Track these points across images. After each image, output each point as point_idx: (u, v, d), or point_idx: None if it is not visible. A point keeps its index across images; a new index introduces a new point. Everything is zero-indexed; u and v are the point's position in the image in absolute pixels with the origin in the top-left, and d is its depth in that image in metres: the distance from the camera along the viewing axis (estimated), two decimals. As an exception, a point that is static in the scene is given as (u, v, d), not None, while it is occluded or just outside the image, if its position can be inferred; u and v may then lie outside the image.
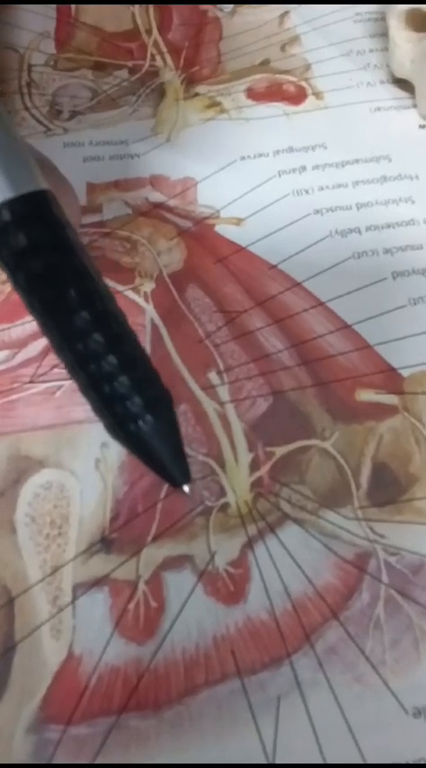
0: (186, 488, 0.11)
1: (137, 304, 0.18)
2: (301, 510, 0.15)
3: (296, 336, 0.17)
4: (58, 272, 0.11)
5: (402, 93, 0.22)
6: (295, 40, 0.23)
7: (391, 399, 0.16)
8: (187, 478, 0.11)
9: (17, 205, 0.11)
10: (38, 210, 0.11)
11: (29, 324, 0.17)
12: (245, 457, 0.15)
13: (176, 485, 0.11)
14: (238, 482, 0.15)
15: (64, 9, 0.24)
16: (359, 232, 0.19)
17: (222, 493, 0.15)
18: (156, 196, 0.20)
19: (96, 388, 0.11)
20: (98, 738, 0.13)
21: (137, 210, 0.19)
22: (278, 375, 0.17)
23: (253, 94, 0.22)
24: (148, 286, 0.18)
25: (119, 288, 0.18)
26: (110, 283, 0.18)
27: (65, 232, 0.11)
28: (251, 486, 0.15)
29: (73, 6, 0.24)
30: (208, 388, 0.16)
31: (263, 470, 0.15)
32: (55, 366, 0.17)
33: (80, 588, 0.14)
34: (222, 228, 0.19)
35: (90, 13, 0.24)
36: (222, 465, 0.15)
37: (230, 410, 0.16)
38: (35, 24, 0.23)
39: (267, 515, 0.15)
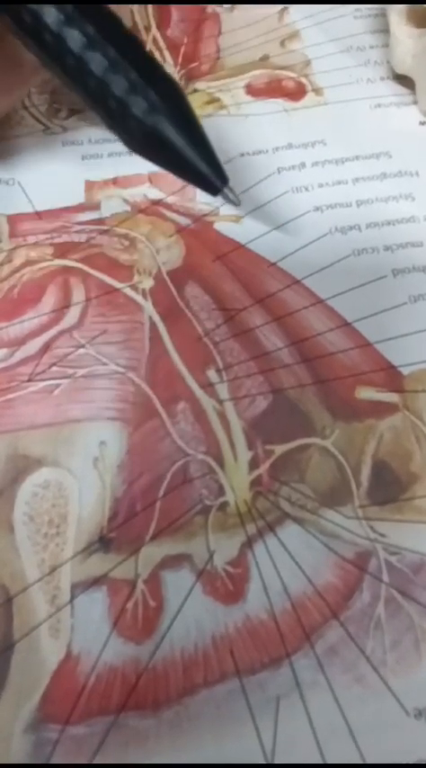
0: (229, 193, 0.09)
1: (136, 301, 0.18)
2: (301, 509, 0.15)
3: (295, 334, 0.17)
4: None
5: (402, 90, 0.22)
6: (295, 35, 0.23)
7: (391, 397, 0.16)
8: (224, 179, 0.10)
9: None
10: None
11: (27, 322, 0.17)
12: (245, 455, 0.15)
13: (215, 188, 0.10)
14: (237, 481, 0.15)
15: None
16: (359, 229, 0.19)
17: (221, 492, 0.15)
18: (155, 193, 0.20)
19: (105, 96, 0.10)
20: (96, 738, 0.13)
21: (135, 207, 0.19)
22: (277, 373, 0.16)
23: (253, 90, 0.22)
24: (147, 283, 0.18)
25: (118, 285, 0.18)
26: (109, 281, 0.18)
27: None
28: (250, 484, 0.15)
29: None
30: (207, 386, 0.16)
31: (263, 469, 0.15)
32: (53, 364, 0.17)
33: (78, 587, 0.14)
34: (221, 226, 0.19)
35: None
36: (221, 463, 0.15)
37: (229, 408, 0.16)
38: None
39: (266, 514, 0.15)
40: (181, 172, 0.10)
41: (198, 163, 0.09)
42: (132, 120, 0.09)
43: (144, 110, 0.09)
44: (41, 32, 0.10)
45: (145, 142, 0.10)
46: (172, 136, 0.09)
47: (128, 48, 0.10)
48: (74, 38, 0.10)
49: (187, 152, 0.09)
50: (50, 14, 0.10)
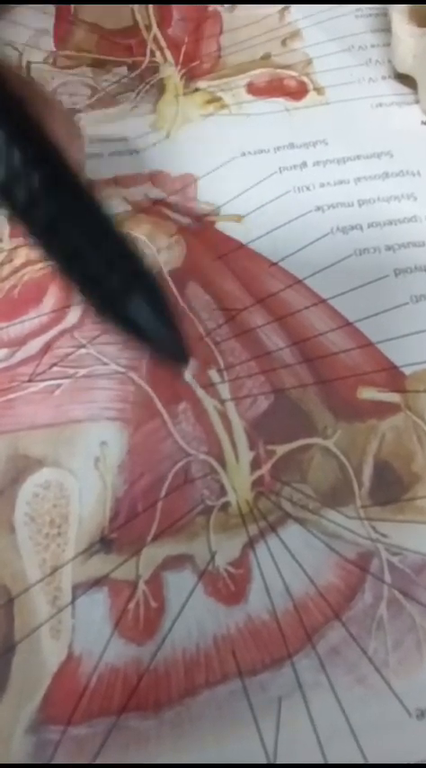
0: (187, 376, 0.10)
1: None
2: (303, 509, 0.15)
3: (297, 334, 0.17)
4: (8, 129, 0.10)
5: (404, 89, 0.22)
6: (296, 34, 0.23)
7: (393, 397, 0.16)
8: (186, 356, 0.10)
9: None
10: None
11: (28, 322, 0.17)
12: (246, 456, 0.15)
13: (178, 362, 0.10)
14: (239, 481, 0.15)
15: (63, 6, 0.24)
16: (361, 229, 0.19)
17: (223, 492, 0.15)
18: (156, 193, 0.20)
19: (74, 269, 0.10)
20: (98, 739, 0.13)
21: (136, 207, 0.19)
22: (279, 373, 0.16)
23: (254, 89, 0.22)
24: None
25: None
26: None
27: (17, 100, 0.10)
28: (252, 485, 0.15)
29: (72, 2, 0.24)
30: (209, 386, 0.16)
31: (264, 469, 0.15)
32: (54, 365, 0.17)
33: (79, 588, 0.14)
34: (222, 225, 0.19)
35: (89, 10, 0.24)
36: (223, 464, 0.15)
37: (231, 408, 0.16)
38: (34, 21, 0.23)
39: (268, 515, 0.15)
40: (144, 343, 0.10)
41: (164, 342, 0.10)
42: (105, 294, 0.10)
43: (117, 287, 0.10)
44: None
45: (113, 316, 0.10)
46: (142, 317, 0.10)
47: (102, 223, 0.10)
48: (40, 216, 0.10)
49: (156, 333, 0.10)
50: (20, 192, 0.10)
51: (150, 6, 0.24)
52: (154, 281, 0.10)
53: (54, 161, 0.11)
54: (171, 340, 0.10)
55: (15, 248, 0.19)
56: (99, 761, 0.12)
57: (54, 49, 0.23)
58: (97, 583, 0.14)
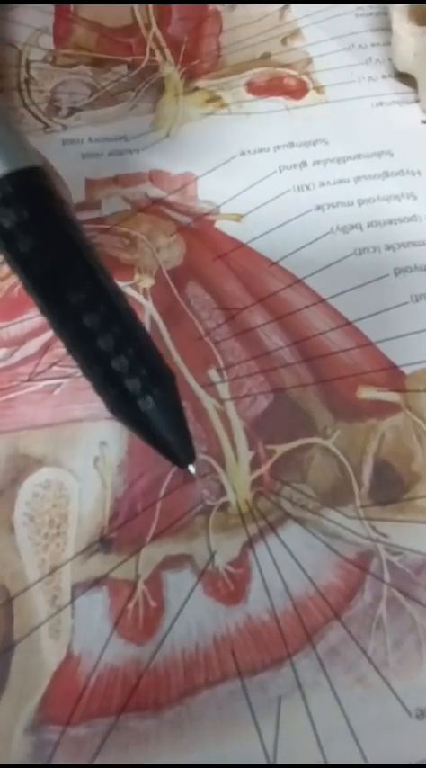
0: (192, 468, 0.11)
1: (136, 301, 0.18)
2: (302, 509, 0.15)
3: (297, 333, 0.17)
4: (53, 248, 0.10)
5: (404, 88, 0.22)
6: (296, 33, 0.23)
7: (393, 397, 0.16)
8: (192, 458, 0.10)
9: (12, 180, 0.11)
10: (33, 186, 0.11)
11: (27, 321, 0.17)
12: (246, 455, 0.15)
13: (181, 465, 0.11)
14: (238, 481, 0.15)
15: (62, 4, 0.24)
16: (361, 228, 0.19)
17: (222, 492, 0.15)
18: (156, 192, 0.19)
19: (96, 366, 0.10)
20: (97, 739, 0.13)
21: (136, 206, 0.19)
22: (278, 372, 0.16)
23: (254, 88, 0.22)
24: (147, 282, 0.18)
25: (118, 284, 0.18)
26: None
27: (60, 207, 0.11)
28: (251, 484, 0.15)
29: (71, 1, 0.24)
30: (208, 386, 0.16)
31: (264, 469, 0.15)
32: (53, 364, 0.17)
33: (79, 588, 0.14)
34: (222, 224, 0.19)
35: (88, 9, 0.24)
36: (222, 463, 0.15)
37: (230, 408, 0.16)
38: (33, 20, 0.23)
39: (268, 514, 0.15)
40: (153, 444, 0.11)
41: (172, 444, 0.11)
42: (123, 394, 0.10)
43: (136, 390, 0.10)
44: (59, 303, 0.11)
45: (127, 416, 0.10)
46: (156, 420, 0.10)
47: (133, 326, 0.11)
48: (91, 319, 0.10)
49: (166, 435, 0.10)
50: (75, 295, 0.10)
51: (150, 5, 0.24)
52: (171, 384, 0.11)
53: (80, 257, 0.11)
54: (179, 442, 0.10)
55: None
56: (98, 761, 0.12)
57: (53, 48, 0.23)
58: (96, 582, 0.14)
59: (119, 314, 0.11)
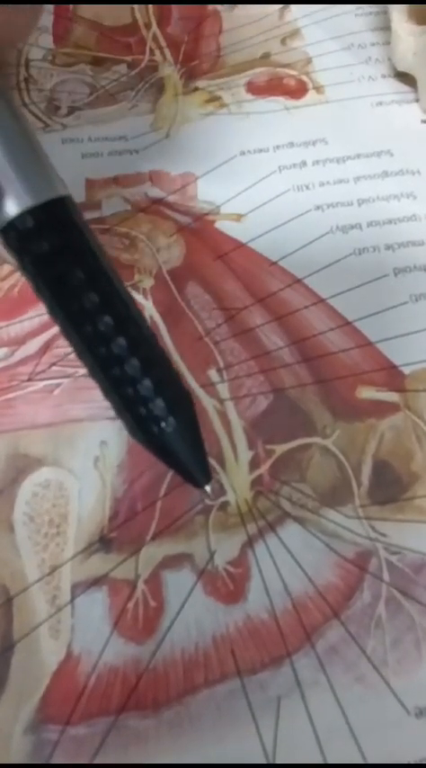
0: (208, 488, 0.11)
1: (137, 301, 0.18)
2: (302, 508, 0.15)
3: (296, 333, 0.17)
4: (79, 277, 0.11)
5: (403, 88, 0.22)
6: (295, 33, 0.23)
7: (392, 397, 0.16)
8: (209, 479, 0.11)
9: (38, 213, 0.11)
10: (58, 217, 0.11)
11: (27, 321, 0.17)
12: (245, 455, 0.15)
13: (199, 486, 0.11)
14: (238, 480, 0.15)
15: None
16: (361, 228, 0.19)
17: (222, 491, 0.15)
18: (156, 192, 0.19)
19: (118, 390, 0.11)
20: (97, 739, 0.13)
21: (136, 206, 0.19)
22: (278, 372, 0.16)
23: (254, 88, 0.22)
24: (147, 283, 0.18)
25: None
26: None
27: (85, 237, 0.11)
28: (251, 484, 0.15)
29: (71, 0, 0.24)
30: (208, 386, 0.16)
31: (263, 468, 0.15)
32: (53, 364, 0.17)
33: (79, 587, 0.14)
34: (222, 224, 0.19)
35: (88, 8, 0.24)
36: (222, 463, 0.15)
37: (230, 408, 0.16)
38: (33, 19, 0.23)
39: (267, 514, 0.15)
40: (172, 466, 0.11)
41: (190, 465, 0.11)
42: (143, 418, 0.11)
43: (157, 414, 0.10)
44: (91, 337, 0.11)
45: (147, 440, 0.11)
46: (175, 444, 0.11)
47: (155, 350, 0.11)
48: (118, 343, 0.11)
49: (185, 459, 0.11)
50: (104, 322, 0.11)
51: (149, 5, 0.24)
52: (190, 408, 0.11)
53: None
54: (197, 465, 0.11)
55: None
56: (98, 760, 0.12)
57: (53, 47, 0.23)
58: (96, 582, 0.14)
59: (143, 338, 0.11)
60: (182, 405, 0.11)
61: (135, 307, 0.11)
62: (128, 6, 0.24)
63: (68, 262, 0.11)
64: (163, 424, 0.10)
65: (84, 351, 0.11)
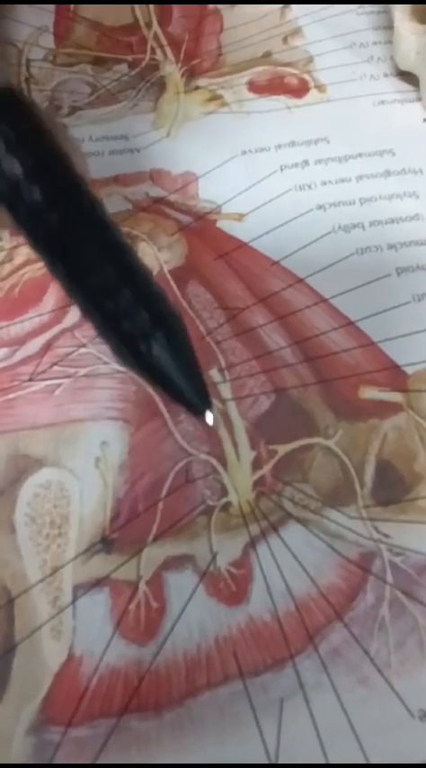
0: (209, 417, 0.10)
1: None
2: (304, 509, 0.15)
3: (298, 333, 0.17)
4: (42, 171, 0.09)
5: (406, 87, 0.21)
6: (297, 31, 0.23)
7: (395, 397, 0.16)
8: (208, 404, 0.10)
9: None
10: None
11: (28, 321, 0.17)
12: (247, 455, 0.15)
13: (196, 413, 0.10)
14: (240, 481, 0.15)
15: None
16: (363, 227, 0.18)
17: (224, 492, 0.15)
18: (157, 191, 0.19)
19: (98, 306, 0.09)
20: (98, 740, 0.13)
21: (137, 206, 0.19)
22: (280, 372, 0.16)
23: (255, 87, 0.22)
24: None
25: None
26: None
27: (41, 128, 0.10)
28: (253, 484, 0.15)
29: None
30: (210, 386, 0.16)
31: (266, 469, 0.15)
32: (54, 364, 0.17)
33: (80, 589, 0.14)
34: (223, 224, 0.19)
35: (89, 8, 0.24)
36: (224, 464, 0.15)
37: (232, 408, 0.16)
38: (34, 19, 0.23)
39: (269, 515, 0.15)
40: (165, 390, 0.10)
41: (185, 387, 0.10)
42: (126, 335, 0.09)
43: (139, 332, 0.09)
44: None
45: (132, 362, 0.10)
46: (164, 363, 0.09)
47: (135, 264, 0.10)
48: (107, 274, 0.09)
49: (177, 380, 0.09)
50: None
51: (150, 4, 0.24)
52: (178, 324, 0.10)
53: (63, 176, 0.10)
54: (193, 385, 0.10)
55: (16, 247, 0.18)
56: (99, 762, 0.12)
57: (54, 47, 0.23)
58: (98, 583, 0.14)
59: (118, 248, 0.10)
60: (168, 321, 0.09)
61: (106, 214, 0.10)
62: (128, 6, 0.24)
63: (26, 155, 0.09)
64: (145, 344, 0.09)
65: (54, 264, 0.10)
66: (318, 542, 0.14)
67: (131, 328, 0.09)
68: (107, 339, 0.10)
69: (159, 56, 0.22)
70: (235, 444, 0.15)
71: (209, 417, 0.10)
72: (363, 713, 0.13)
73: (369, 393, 0.16)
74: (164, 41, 0.23)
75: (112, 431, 0.15)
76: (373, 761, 0.12)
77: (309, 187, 0.19)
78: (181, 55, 0.22)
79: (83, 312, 0.10)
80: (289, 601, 0.14)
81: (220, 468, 0.15)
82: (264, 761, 0.12)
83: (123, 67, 0.22)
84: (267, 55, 0.22)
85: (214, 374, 0.16)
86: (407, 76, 0.21)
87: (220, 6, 0.24)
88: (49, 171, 0.10)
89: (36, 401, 0.16)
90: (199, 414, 0.10)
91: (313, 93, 0.21)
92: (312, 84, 0.22)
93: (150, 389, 0.16)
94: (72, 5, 0.24)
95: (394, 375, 0.16)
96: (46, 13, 0.23)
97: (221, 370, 0.16)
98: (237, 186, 0.19)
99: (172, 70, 0.22)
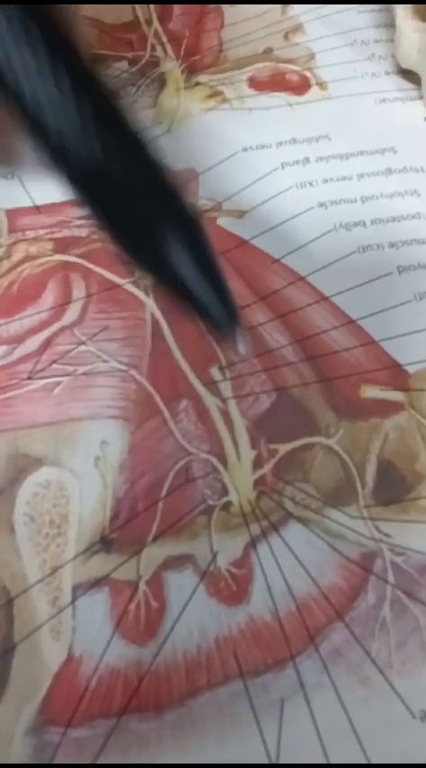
0: (241, 343, 0.08)
1: (138, 298, 0.17)
2: (305, 509, 0.14)
3: (299, 332, 0.17)
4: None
5: (407, 85, 0.21)
6: (298, 28, 0.23)
7: (396, 396, 0.16)
8: (235, 319, 0.08)
9: None
10: None
11: (27, 318, 0.17)
12: (248, 454, 0.15)
13: (223, 329, 0.08)
14: (241, 480, 0.15)
15: None
16: (364, 225, 0.18)
17: (224, 491, 0.15)
18: (157, 189, 0.19)
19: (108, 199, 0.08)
20: (98, 741, 0.12)
21: (137, 203, 0.19)
22: (281, 371, 0.16)
23: (256, 84, 0.21)
24: (149, 279, 0.18)
25: (119, 281, 0.18)
26: (110, 277, 0.18)
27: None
28: (254, 484, 0.15)
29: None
30: (210, 384, 0.16)
31: (266, 468, 0.15)
32: (54, 362, 0.16)
33: (80, 588, 0.14)
34: (224, 221, 0.19)
35: (89, 6, 0.24)
36: (224, 463, 0.15)
37: (232, 407, 0.16)
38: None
39: (270, 514, 0.14)
40: (181, 299, 0.09)
41: (205, 296, 0.08)
42: (138, 228, 0.08)
43: (152, 220, 0.08)
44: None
45: (149, 266, 0.08)
46: (180, 263, 0.08)
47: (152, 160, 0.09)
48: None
49: (197, 287, 0.08)
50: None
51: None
52: (197, 222, 0.08)
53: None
54: (215, 295, 0.08)
55: (14, 243, 0.18)
56: (99, 763, 0.12)
57: (53, 43, 0.23)
58: (97, 583, 0.14)
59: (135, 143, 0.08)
60: (184, 220, 0.08)
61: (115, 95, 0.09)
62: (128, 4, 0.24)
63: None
64: (162, 240, 0.08)
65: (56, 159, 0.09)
66: (319, 542, 0.14)
67: (148, 230, 0.08)
68: (116, 234, 0.08)
69: (159, 52, 0.22)
70: (235, 443, 0.15)
71: (242, 344, 0.08)
72: (364, 714, 0.13)
73: (371, 392, 0.16)
74: (164, 38, 0.23)
75: (112, 430, 0.15)
76: (374, 761, 0.12)
77: (310, 185, 0.19)
78: (182, 51, 0.22)
79: (97, 221, 0.08)
80: (290, 601, 0.14)
81: (221, 468, 0.15)
82: (265, 761, 0.12)
83: (123, 65, 0.22)
84: (268, 51, 0.22)
85: (214, 372, 0.16)
86: (409, 75, 0.21)
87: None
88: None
89: (35, 399, 0.16)
90: (227, 331, 0.08)
91: (314, 91, 0.21)
92: (313, 81, 0.21)
93: (150, 388, 0.16)
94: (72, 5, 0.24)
95: (396, 374, 0.16)
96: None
97: (222, 369, 0.16)
98: (238, 183, 0.19)
99: (172, 66, 0.22)
